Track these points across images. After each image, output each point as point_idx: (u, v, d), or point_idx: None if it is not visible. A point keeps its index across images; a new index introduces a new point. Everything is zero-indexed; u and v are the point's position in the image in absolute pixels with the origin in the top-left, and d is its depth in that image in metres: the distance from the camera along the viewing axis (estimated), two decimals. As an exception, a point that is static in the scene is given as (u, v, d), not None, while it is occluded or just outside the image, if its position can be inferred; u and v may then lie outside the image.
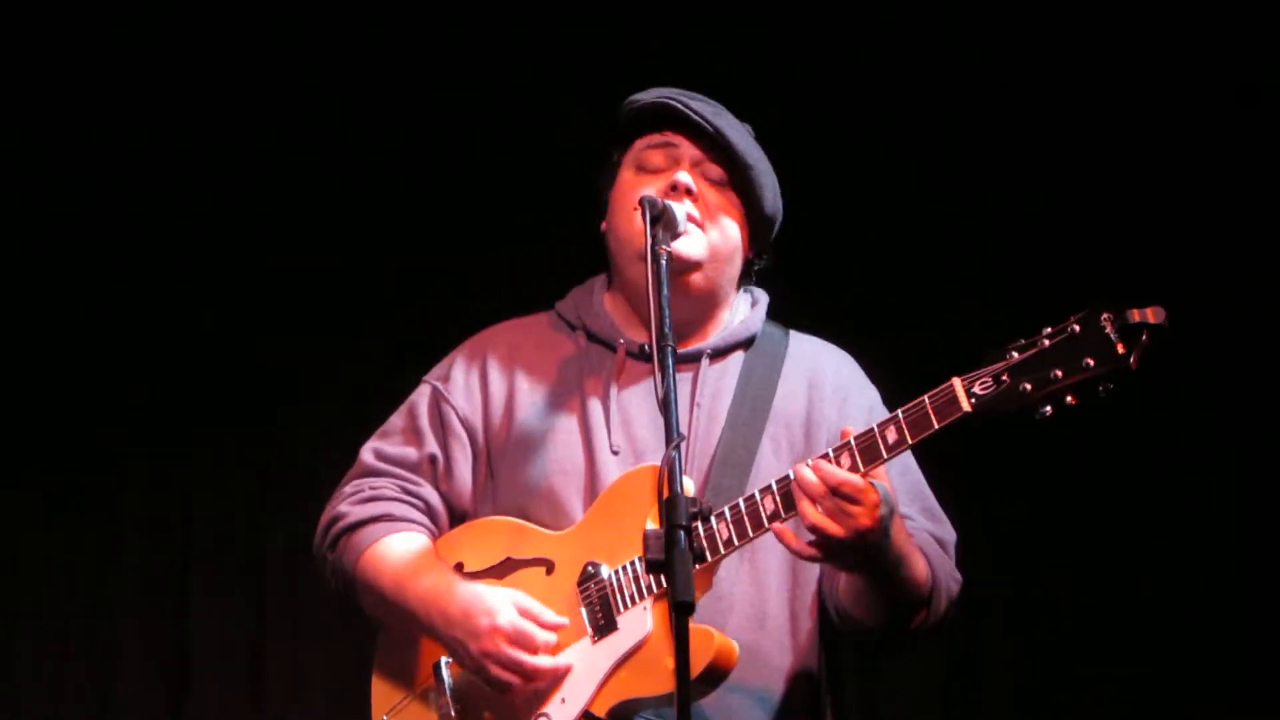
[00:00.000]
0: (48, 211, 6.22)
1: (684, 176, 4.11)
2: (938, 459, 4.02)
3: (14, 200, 6.18)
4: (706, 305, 4.19)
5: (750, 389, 4.16)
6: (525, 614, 3.94)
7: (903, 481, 4.01)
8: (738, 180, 4.17)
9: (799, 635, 4.09)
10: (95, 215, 6.24)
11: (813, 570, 4.08)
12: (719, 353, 4.20)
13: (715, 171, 4.16)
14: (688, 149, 4.17)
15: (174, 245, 6.29)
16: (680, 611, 3.46)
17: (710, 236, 4.12)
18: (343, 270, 6.33)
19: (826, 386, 4.21)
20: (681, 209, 4.03)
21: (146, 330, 6.29)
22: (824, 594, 4.10)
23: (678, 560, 3.49)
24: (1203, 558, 6.12)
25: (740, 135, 4.16)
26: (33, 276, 6.22)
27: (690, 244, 4.08)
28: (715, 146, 4.15)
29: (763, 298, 4.29)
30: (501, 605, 3.95)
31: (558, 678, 3.93)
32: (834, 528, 3.72)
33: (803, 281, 4.42)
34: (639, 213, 3.93)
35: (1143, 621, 6.14)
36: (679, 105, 4.14)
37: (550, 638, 3.93)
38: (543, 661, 3.92)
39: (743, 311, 4.27)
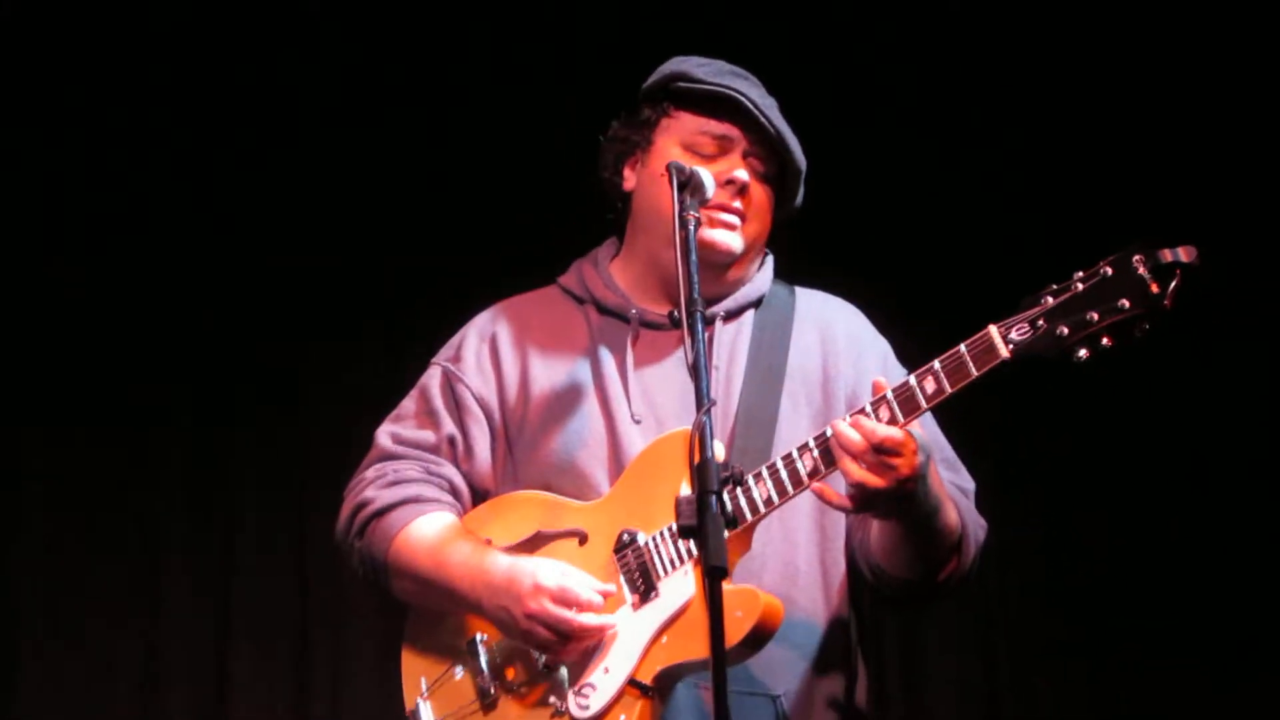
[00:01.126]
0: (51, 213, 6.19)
1: (743, 175, 4.16)
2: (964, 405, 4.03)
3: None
4: (734, 286, 4.26)
5: (764, 348, 4.21)
6: (568, 575, 3.95)
7: (921, 433, 4.01)
8: (777, 173, 4.22)
9: (830, 588, 4.13)
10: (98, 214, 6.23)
11: (839, 523, 4.15)
12: (730, 314, 4.25)
13: (760, 166, 4.20)
14: (741, 141, 4.19)
15: (175, 243, 6.28)
16: (714, 576, 3.48)
17: (748, 234, 4.17)
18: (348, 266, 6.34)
19: (839, 340, 4.25)
20: (707, 174, 4.03)
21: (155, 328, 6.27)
22: (853, 551, 4.15)
23: (710, 525, 3.51)
24: (1238, 509, 6.25)
25: (791, 135, 4.20)
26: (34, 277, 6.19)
27: (734, 239, 4.14)
28: (766, 141, 4.18)
29: (768, 258, 4.35)
30: (543, 566, 3.96)
31: (605, 638, 3.94)
32: (876, 481, 3.76)
33: (813, 236, 4.41)
34: (665, 179, 3.96)
35: (1178, 571, 6.25)
36: (749, 104, 4.15)
37: (595, 597, 3.93)
38: (589, 619, 3.92)
39: (751, 272, 4.31)
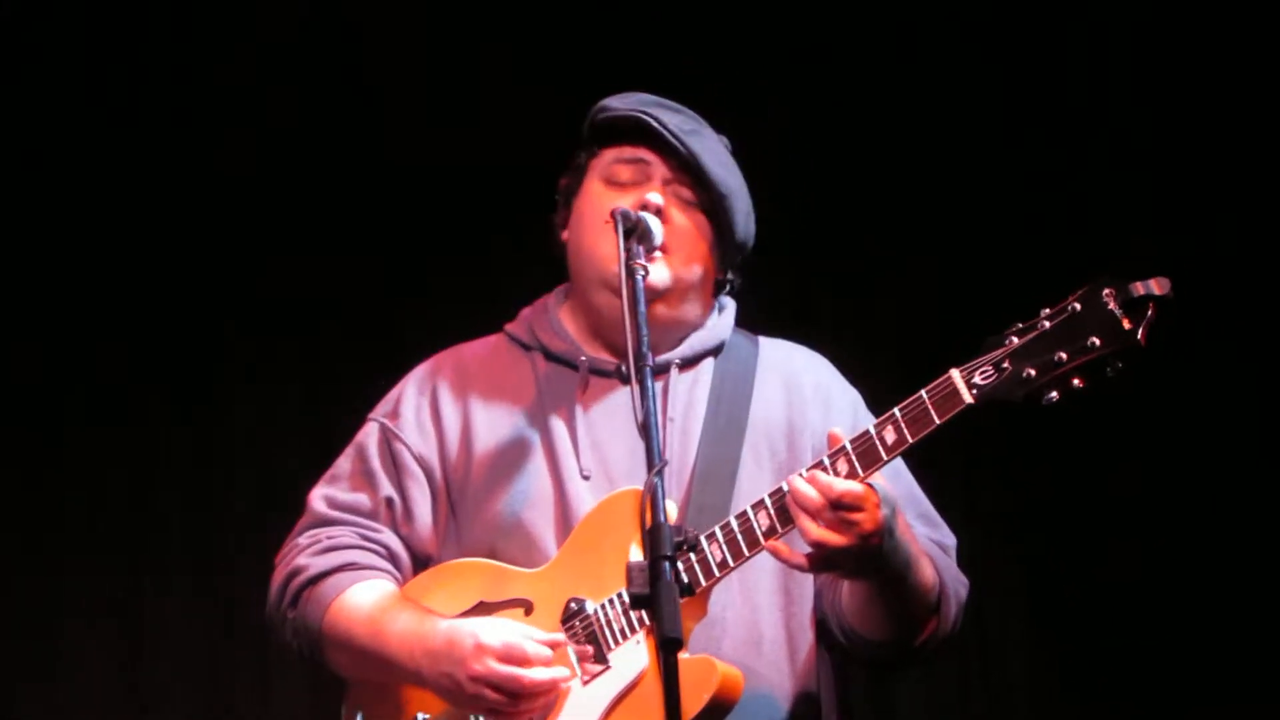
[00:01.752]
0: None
1: (655, 196, 3.98)
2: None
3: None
4: (675, 333, 4.06)
5: (725, 398, 4.03)
6: (511, 631, 3.80)
7: (895, 487, 3.81)
8: (709, 203, 4.04)
9: (796, 656, 3.95)
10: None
11: (807, 584, 3.96)
12: (687, 362, 4.06)
13: (686, 193, 4.04)
14: (659, 166, 4.04)
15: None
16: (668, 649, 3.32)
17: (673, 265, 3.99)
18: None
19: (806, 389, 4.09)
20: (655, 220, 3.91)
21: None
22: (824, 612, 3.97)
23: (663, 593, 3.35)
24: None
25: (716, 159, 4.04)
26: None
27: (655, 270, 3.93)
28: (688, 167, 4.02)
29: (729, 304, 4.16)
30: (484, 624, 3.81)
31: (557, 699, 3.78)
32: (836, 539, 3.59)
33: (770, 284, 4.22)
34: (610, 226, 3.83)
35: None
36: (653, 122, 4.01)
37: (542, 649, 3.78)
38: (540, 674, 3.76)
39: (710, 319, 4.11)
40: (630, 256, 3.75)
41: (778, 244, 4.22)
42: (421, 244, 6.15)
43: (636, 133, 4.04)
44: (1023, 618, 6.20)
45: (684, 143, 3.99)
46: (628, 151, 4.05)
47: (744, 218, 4.07)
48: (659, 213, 3.94)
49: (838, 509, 3.58)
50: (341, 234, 6.12)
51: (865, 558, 3.63)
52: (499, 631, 3.79)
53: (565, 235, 4.13)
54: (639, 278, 3.71)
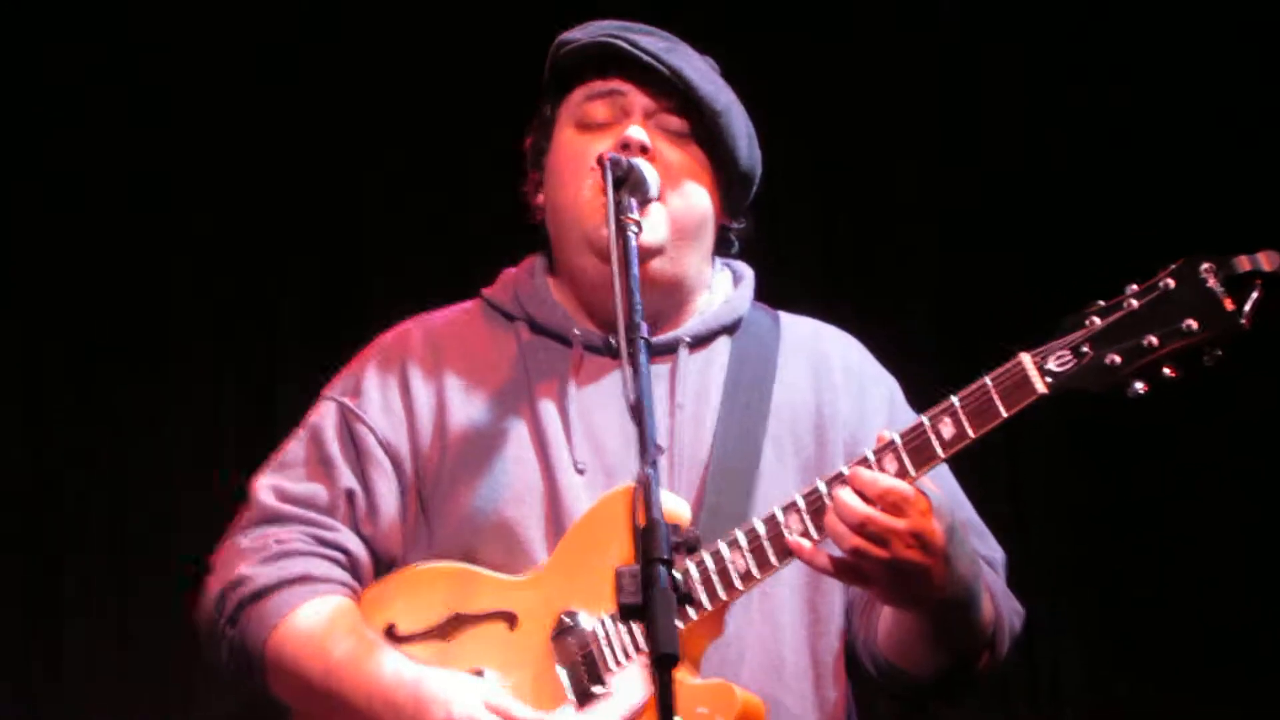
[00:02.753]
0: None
1: (636, 132, 3.58)
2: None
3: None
4: (677, 294, 3.66)
5: (743, 382, 3.63)
6: (494, 709, 3.37)
7: (938, 493, 3.41)
8: (703, 132, 3.64)
9: (823, 683, 3.59)
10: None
11: (836, 602, 3.61)
12: (699, 340, 3.66)
13: (675, 123, 3.63)
14: (638, 97, 3.64)
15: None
16: (663, 666, 2.92)
17: (672, 208, 3.58)
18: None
19: (835, 373, 3.71)
20: (650, 168, 3.50)
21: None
22: (854, 636, 3.62)
23: (658, 603, 2.94)
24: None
25: (703, 74, 3.65)
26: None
27: (648, 224, 3.47)
28: (673, 91, 3.62)
29: (747, 273, 3.78)
30: (460, 691, 3.39)
31: None
32: (876, 550, 3.21)
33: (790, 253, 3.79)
34: (595, 176, 3.46)
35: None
36: (623, 44, 3.61)
37: (528, 713, 3.37)
38: None
39: (724, 291, 3.74)
40: (620, 211, 3.33)
41: (800, 205, 3.76)
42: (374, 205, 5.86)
43: (605, 62, 3.65)
44: (1078, 636, 5.88)
45: (662, 61, 3.59)
46: (598, 85, 3.65)
47: (746, 141, 3.68)
48: (644, 151, 3.54)
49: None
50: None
51: (905, 578, 3.25)
52: (475, 699, 3.37)
53: (540, 199, 3.74)
54: (631, 235, 3.29)
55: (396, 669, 3.41)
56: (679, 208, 3.57)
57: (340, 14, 5.89)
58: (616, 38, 3.62)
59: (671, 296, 3.62)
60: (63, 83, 5.78)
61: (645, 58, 3.59)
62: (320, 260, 5.82)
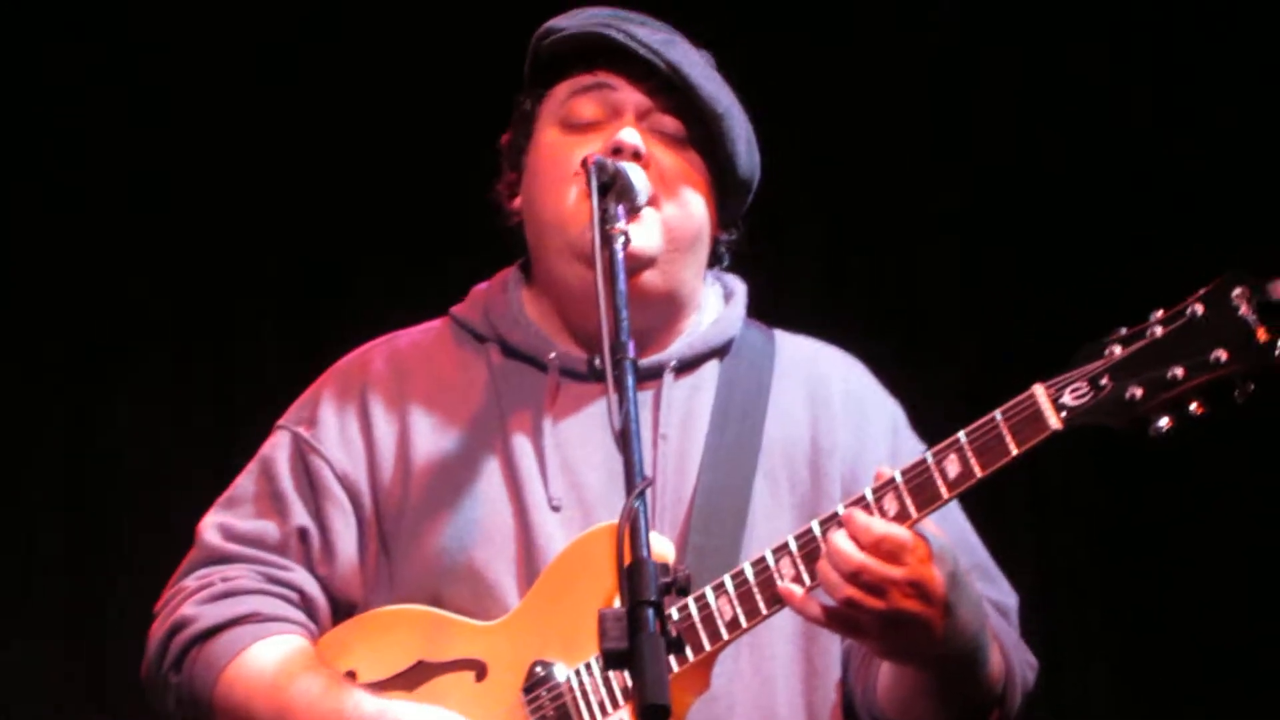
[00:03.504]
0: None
1: (630, 135, 3.38)
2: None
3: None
4: (667, 310, 3.47)
5: (733, 411, 3.45)
6: None
7: (944, 531, 3.21)
8: (701, 135, 3.44)
9: None
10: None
11: (834, 652, 3.42)
12: (685, 365, 3.46)
13: (669, 124, 3.43)
14: (630, 94, 3.43)
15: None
16: (652, 718, 2.71)
17: (666, 217, 3.38)
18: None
19: (834, 400, 3.52)
20: (638, 171, 3.29)
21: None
22: (851, 690, 3.42)
23: (646, 649, 2.73)
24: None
25: (704, 72, 3.44)
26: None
27: (640, 232, 3.31)
28: (669, 89, 3.41)
29: (738, 288, 3.58)
30: (429, 717, 3.25)
31: None
32: (871, 601, 3.02)
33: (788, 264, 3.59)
34: (580, 180, 3.27)
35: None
36: (616, 34, 3.39)
37: None
38: None
39: (714, 309, 3.54)
40: (606, 220, 3.13)
41: (800, 215, 3.55)
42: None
43: (594, 54, 3.45)
44: (1104, 677, 5.64)
45: (661, 55, 3.39)
46: (585, 79, 3.46)
47: (746, 146, 3.49)
48: (637, 156, 3.34)
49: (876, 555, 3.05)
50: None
51: (902, 629, 3.07)
52: None
53: (517, 203, 3.55)
54: (618, 247, 3.08)
55: (356, 702, 3.26)
56: (674, 216, 3.38)
57: (340, 16, 5.73)
58: (609, 27, 3.42)
59: (661, 313, 3.44)
60: (62, 83, 5.65)
61: (642, 51, 3.40)
62: (304, 267, 5.69)
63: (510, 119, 3.57)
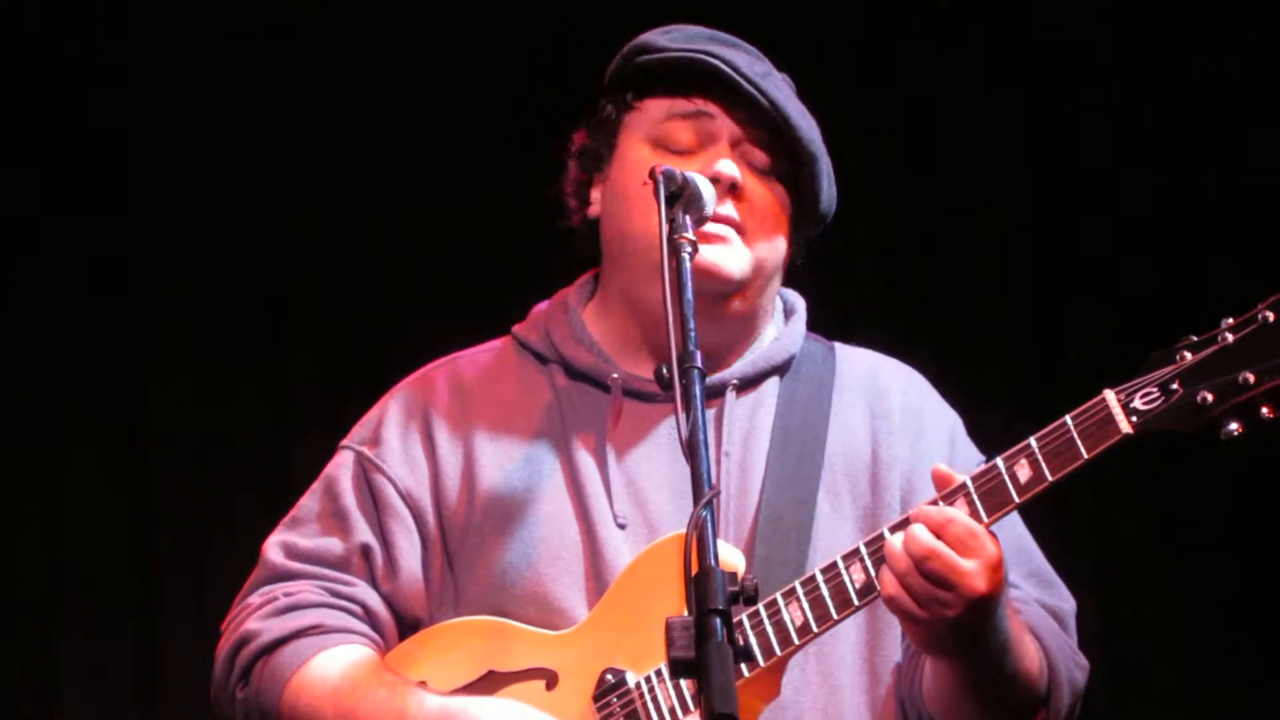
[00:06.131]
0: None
1: (729, 168, 3.46)
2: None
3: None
4: (740, 333, 3.56)
5: (794, 427, 3.51)
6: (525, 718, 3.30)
7: (1002, 537, 3.27)
8: (788, 169, 3.53)
9: None
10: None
11: (894, 661, 3.48)
12: (747, 383, 3.55)
13: (760, 156, 3.51)
14: (726, 122, 3.49)
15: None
16: None
17: (755, 248, 3.47)
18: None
19: (893, 414, 3.59)
20: (706, 182, 3.31)
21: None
22: (901, 692, 3.48)
23: (713, 658, 2.77)
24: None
25: (797, 108, 3.52)
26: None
27: (729, 257, 3.44)
28: (763, 119, 3.48)
29: (799, 305, 3.67)
30: (488, 707, 3.31)
31: None
32: (944, 595, 3.10)
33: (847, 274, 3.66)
34: (649, 191, 3.25)
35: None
36: (723, 67, 3.46)
37: None
38: None
39: (775, 326, 3.60)
40: (675, 230, 3.15)
41: (859, 224, 3.61)
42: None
43: (693, 79, 3.50)
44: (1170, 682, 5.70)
45: (763, 91, 3.46)
46: (683, 104, 3.51)
47: (829, 183, 3.58)
48: (733, 189, 3.43)
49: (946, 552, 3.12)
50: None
51: (959, 629, 3.15)
52: (509, 718, 3.29)
53: (595, 210, 3.60)
54: (685, 256, 3.12)
55: (419, 700, 3.33)
56: (762, 248, 3.48)
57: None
58: (713, 56, 3.47)
59: (735, 336, 3.53)
60: (61, 82, 5.71)
61: (746, 86, 3.46)
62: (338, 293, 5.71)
63: (588, 119, 3.59)
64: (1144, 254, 5.60)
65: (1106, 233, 5.66)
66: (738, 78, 3.44)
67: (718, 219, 3.41)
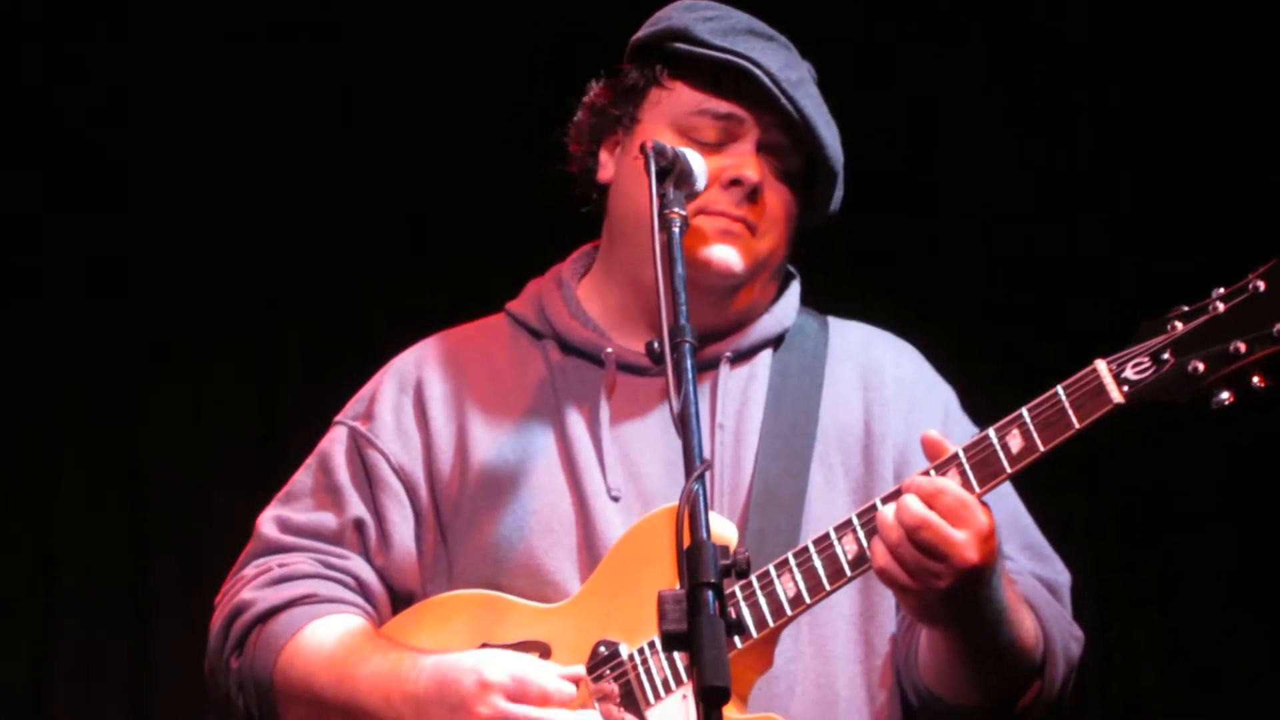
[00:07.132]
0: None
1: (754, 172, 3.48)
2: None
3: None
4: (737, 317, 3.57)
5: (787, 399, 3.54)
6: (521, 664, 3.31)
7: (996, 510, 3.30)
8: (804, 176, 3.55)
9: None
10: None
11: (889, 632, 3.50)
12: (740, 355, 3.57)
13: (781, 162, 3.54)
14: (753, 125, 3.51)
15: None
16: (711, 700, 2.76)
17: (763, 247, 3.51)
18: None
19: (886, 386, 3.60)
20: (698, 158, 3.38)
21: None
22: (897, 663, 3.51)
23: (705, 630, 2.78)
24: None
25: (825, 120, 3.54)
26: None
27: (739, 255, 3.47)
28: (789, 128, 3.50)
29: (793, 280, 3.68)
30: (486, 658, 3.32)
31: None
32: (935, 566, 3.12)
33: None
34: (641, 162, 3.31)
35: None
36: (763, 77, 3.46)
37: (565, 686, 3.27)
38: (563, 715, 3.25)
39: (763, 300, 3.63)
40: (665, 204, 3.22)
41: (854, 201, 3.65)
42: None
43: (728, 78, 3.50)
44: (1158, 664, 5.70)
45: (797, 104, 3.48)
46: (716, 104, 3.51)
47: (839, 192, 3.60)
48: (754, 192, 3.46)
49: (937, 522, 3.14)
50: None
51: (953, 598, 3.17)
52: (506, 664, 3.29)
53: (605, 175, 3.61)
54: (675, 230, 3.18)
55: (413, 660, 3.34)
56: (770, 247, 3.51)
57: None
58: (754, 63, 3.47)
59: (734, 317, 3.54)
60: (62, 82, 5.71)
61: (783, 101, 3.47)
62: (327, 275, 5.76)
63: (607, 77, 3.59)
64: (1143, 254, 5.59)
65: (1105, 233, 5.69)
66: (776, 92, 3.45)
67: (731, 216, 3.45)
